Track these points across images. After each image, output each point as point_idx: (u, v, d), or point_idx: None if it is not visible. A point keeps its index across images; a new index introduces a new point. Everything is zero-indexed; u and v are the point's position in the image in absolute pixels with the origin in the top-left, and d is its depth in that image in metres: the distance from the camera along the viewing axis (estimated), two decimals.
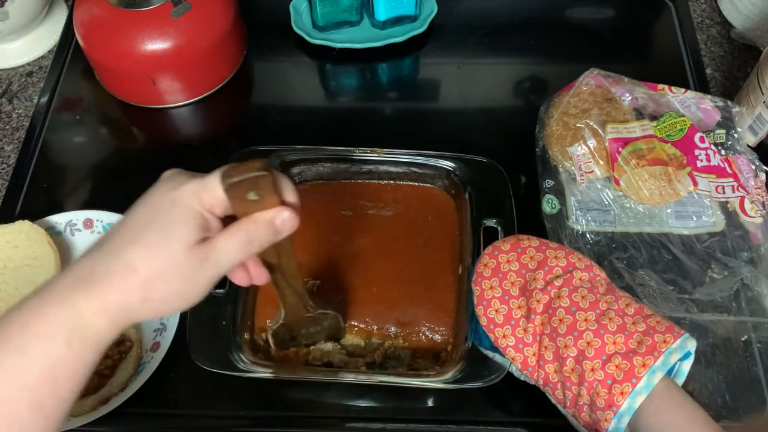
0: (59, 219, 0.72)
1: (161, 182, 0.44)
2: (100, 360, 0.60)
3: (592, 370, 0.49)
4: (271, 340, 0.62)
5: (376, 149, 0.72)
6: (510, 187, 0.69)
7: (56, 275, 0.41)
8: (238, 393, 0.64)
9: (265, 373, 0.61)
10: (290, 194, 0.45)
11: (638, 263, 0.67)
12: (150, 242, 0.40)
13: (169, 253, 0.40)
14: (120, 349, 0.62)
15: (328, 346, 0.65)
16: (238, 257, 0.43)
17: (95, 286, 0.40)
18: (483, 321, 0.55)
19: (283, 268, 0.51)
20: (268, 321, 0.65)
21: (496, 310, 0.54)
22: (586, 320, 0.50)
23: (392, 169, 0.73)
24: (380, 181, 0.74)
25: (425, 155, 0.72)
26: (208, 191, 0.42)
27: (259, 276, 0.48)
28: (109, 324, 0.40)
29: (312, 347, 0.65)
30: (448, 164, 0.72)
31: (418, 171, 0.73)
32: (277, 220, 0.43)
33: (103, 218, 0.72)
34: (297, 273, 0.54)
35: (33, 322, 0.39)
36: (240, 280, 0.48)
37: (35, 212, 0.73)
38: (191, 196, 0.42)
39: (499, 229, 0.67)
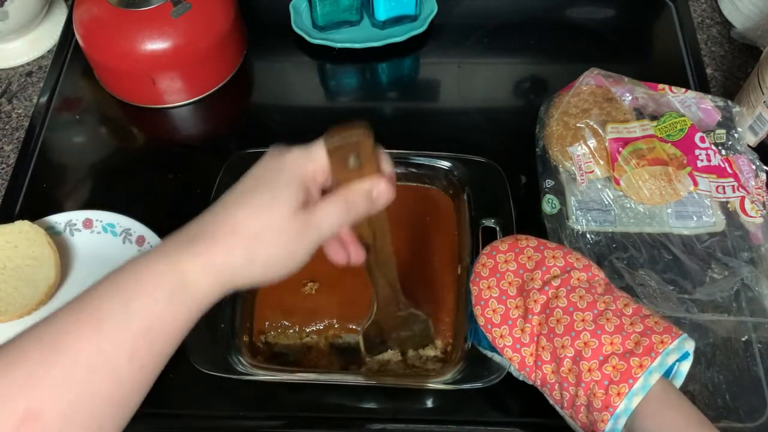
0: (59, 219, 0.72)
1: (267, 155, 0.45)
2: None
3: (589, 370, 0.48)
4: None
5: None
6: (508, 187, 0.69)
7: (170, 235, 0.42)
8: (238, 394, 0.64)
9: (265, 376, 0.61)
10: (386, 165, 0.46)
11: (638, 263, 0.67)
12: (256, 204, 0.42)
13: (273, 214, 0.42)
14: None
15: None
16: (337, 224, 0.44)
17: (201, 245, 0.41)
18: (481, 321, 0.55)
19: (377, 251, 0.51)
20: (266, 323, 0.65)
21: (494, 310, 0.54)
22: (583, 320, 0.50)
23: None
24: None
25: (422, 155, 0.72)
26: (312, 159, 0.43)
27: (358, 254, 0.50)
28: (212, 285, 0.41)
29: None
30: (445, 164, 0.72)
31: (416, 171, 0.73)
32: (374, 191, 0.45)
33: (103, 218, 0.72)
34: (391, 259, 0.54)
35: (142, 276, 0.40)
36: (339, 258, 0.49)
37: (35, 212, 0.73)
38: (295, 163, 0.43)
39: (498, 229, 0.66)
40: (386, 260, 0.53)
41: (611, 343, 0.49)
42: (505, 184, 0.69)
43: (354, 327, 0.65)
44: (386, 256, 0.53)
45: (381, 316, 0.59)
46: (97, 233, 0.72)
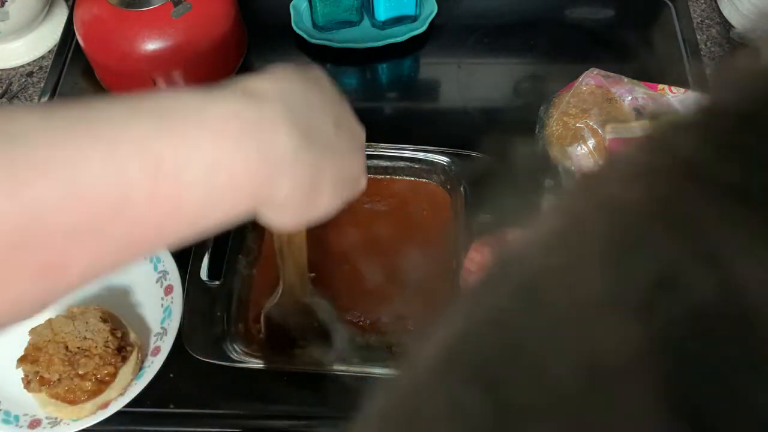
0: None
1: None
2: (101, 366, 0.60)
3: None
4: (262, 323, 0.62)
5: (372, 143, 0.73)
6: (505, 183, 0.69)
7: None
8: (238, 392, 0.64)
9: (257, 363, 0.62)
10: None
11: None
12: None
13: None
14: (122, 355, 0.62)
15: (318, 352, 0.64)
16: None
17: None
18: None
19: (291, 235, 0.52)
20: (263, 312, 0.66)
21: None
22: None
23: (388, 163, 0.74)
24: (376, 176, 0.75)
25: (421, 150, 0.73)
26: None
27: None
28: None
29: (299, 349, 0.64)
30: (443, 159, 0.73)
31: (414, 166, 0.74)
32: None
33: None
34: (303, 246, 0.54)
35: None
36: None
37: None
38: None
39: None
40: (298, 245, 0.54)
41: None
42: (501, 180, 0.70)
43: (348, 318, 0.65)
44: (299, 242, 0.54)
45: (284, 300, 0.59)
46: None
